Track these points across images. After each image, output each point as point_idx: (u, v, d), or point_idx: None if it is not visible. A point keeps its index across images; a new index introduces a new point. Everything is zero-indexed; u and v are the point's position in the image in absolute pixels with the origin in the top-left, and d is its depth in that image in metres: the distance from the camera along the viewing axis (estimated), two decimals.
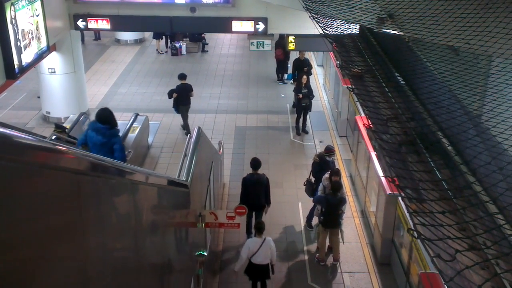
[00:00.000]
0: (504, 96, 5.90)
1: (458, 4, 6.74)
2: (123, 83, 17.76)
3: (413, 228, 7.09)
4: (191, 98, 14.05)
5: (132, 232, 3.60)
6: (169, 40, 21.73)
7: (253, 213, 9.77)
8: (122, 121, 14.05)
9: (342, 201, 9.06)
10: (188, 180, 6.58)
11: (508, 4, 5.96)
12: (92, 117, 13.94)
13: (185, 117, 14.09)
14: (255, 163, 9.74)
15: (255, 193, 9.60)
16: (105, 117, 6.93)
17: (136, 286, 3.62)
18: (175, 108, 14.00)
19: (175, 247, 5.74)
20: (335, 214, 9.03)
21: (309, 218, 10.32)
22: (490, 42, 5.98)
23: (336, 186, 8.93)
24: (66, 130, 9.84)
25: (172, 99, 13.89)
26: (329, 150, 10.08)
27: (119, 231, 3.24)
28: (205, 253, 7.42)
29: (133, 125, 12.39)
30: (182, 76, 14.13)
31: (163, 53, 21.45)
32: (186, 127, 14.00)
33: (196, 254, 7.15)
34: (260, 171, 9.79)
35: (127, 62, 20.12)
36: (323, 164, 9.99)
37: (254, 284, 8.50)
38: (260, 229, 8.32)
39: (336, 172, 9.27)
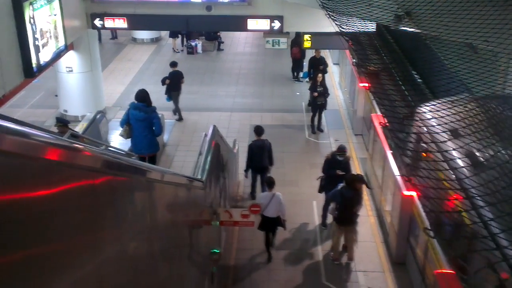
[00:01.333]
0: None
1: (476, 1, 6.66)
2: (140, 82, 17.86)
3: (429, 228, 7.05)
4: (181, 84, 14.98)
5: (149, 230, 3.63)
6: (185, 39, 21.82)
7: (257, 176, 10.86)
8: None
9: (357, 195, 8.96)
10: (204, 178, 6.61)
11: None
12: (108, 116, 14.18)
13: (176, 102, 14.96)
14: (259, 130, 10.88)
15: (259, 156, 10.65)
16: (143, 96, 8.68)
17: (152, 282, 3.65)
18: (167, 95, 14.77)
19: (191, 245, 5.77)
20: (350, 210, 8.96)
21: (323, 217, 10.29)
22: (510, 40, 5.90)
23: (348, 179, 8.94)
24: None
25: (165, 86, 14.81)
26: (341, 150, 10.06)
27: (137, 229, 3.26)
28: (220, 251, 7.45)
29: None
30: (173, 64, 15.09)
31: (179, 52, 21.53)
32: (177, 111, 14.96)
33: (210, 252, 7.18)
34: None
35: (144, 61, 20.24)
36: (333, 162, 9.98)
37: (267, 235, 9.33)
38: (270, 184, 9.17)
39: (359, 179, 9.17)
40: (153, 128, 8.78)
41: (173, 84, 14.84)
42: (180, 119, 14.99)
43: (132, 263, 3.11)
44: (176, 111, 15.06)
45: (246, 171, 11.06)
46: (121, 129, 9.02)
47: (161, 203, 4.17)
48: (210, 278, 6.93)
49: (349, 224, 9.10)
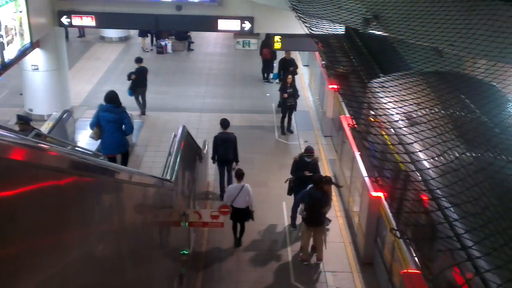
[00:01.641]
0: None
1: (442, 6, 6.81)
2: (108, 81, 17.61)
3: (395, 228, 7.16)
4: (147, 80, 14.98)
5: (116, 231, 3.58)
6: (154, 38, 21.62)
7: (225, 170, 11.09)
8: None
9: (325, 196, 9.04)
10: (173, 179, 6.56)
11: (492, 7, 6.04)
12: (75, 115, 13.93)
13: (143, 98, 15.01)
14: (225, 123, 11.07)
15: (224, 149, 10.85)
16: (112, 98, 8.76)
17: (120, 284, 3.60)
18: (131, 90, 14.68)
19: (159, 246, 5.72)
20: (318, 211, 9.04)
21: (292, 218, 10.35)
22: (474, 44, 6.05)
23: (316, 179, 9.02)
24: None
25: (130, 81, 14.77)
26: (308, 151, 10.14)
27: (104, 230, 3.21)
28: (188, 252, 7.41)
29: None
30: (139, 60, 15.01)
31: (148, 51, 21.32)
32: (143, 106, 15.04)
33: (179, 253, 7.13)
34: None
35: (112, 60, 19.96)
36: (301, 164, 10.05)
37: (234, 225, 9.67)
38: (239, 175, 9.49)
39: (327, 181, 9.27)
40: (123, 128, 8.91)
41: (140, 80, 14.77)
42: (143, 113, 15.05)
43: (99, 265, 3.06)
44: (144, 107, 15.10)
45: (213, 158, 11.21)
46: (91, 131, 9.07)
47: (129, 204, 4.12)
48: (179, 279, 6.87)
49: (317, 225, 9.17)
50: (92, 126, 8.95)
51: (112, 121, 8.74)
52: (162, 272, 5.83)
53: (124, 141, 9.30)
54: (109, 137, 8.87)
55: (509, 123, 5.75)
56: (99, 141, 9.33)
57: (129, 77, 14.83)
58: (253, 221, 9.72)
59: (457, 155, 4.87)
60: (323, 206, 9.06)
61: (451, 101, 6.63)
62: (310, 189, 9.02)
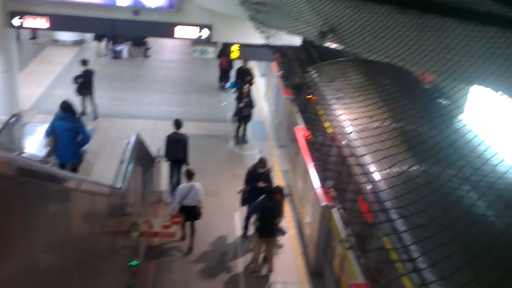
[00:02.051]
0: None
1: (395, 22, 6.97)
2: (59, 85, 17.12)
3: (345, 239, 7.22)
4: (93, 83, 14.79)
5: (63, 240, 3.44)
6: (110, 43, 21.22)
7: (175, 169, 11.31)
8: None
9: (277, 206, 9.04)
10: (123, 187, 6.39)
11: (442, 24, 6.23)
12: (25, 120, 13.46)
13: (92, 101, 14.86)
14: (178, 123, 11.29)
15: (176, 149, 11.10)
16: (68, 107, 8.87)
17: None
18: (78, 93, 14.55)
19: (107, 257, 5.54)
20: (270, 222, 9.03)
21: (245, 228, 10.29)
22: (425, 60, 6.22)
23: (268, 190, 9.03)
24: None
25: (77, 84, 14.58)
26: (261, 162, 10.17)
27: (50, 239, 3.08)
28: (137, 263, 7.22)
29: None
30: (84, 62, 14.82)
31: (103, 56, 20.90)
32: (94, 110, 14.89)
33: (128, 264, 6.94)
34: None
35: (65, 64, 19.44)
36: (254, 174, 10.05)
37: (184, 222, 9.71)
38: (189, 175, 9.66)
39: (279, 191, 9.28)
40: (79, 137, 8.97)
41: (86, 82, 14.58)
42: (83, 114, 14.57)
43: (42, 275, 2.92)
44: (95, 110, 14.94)
45: (166, 156, 11.33)
46: (47, 138, 9.09)
47: (77, 213, 3.97)
48: None
49: (269, 236, 9.16)
50: (48, 134, 8.95)
51: (68, 130, 8.78)
52: (108, 284, 5.65)
53: (79, 152, 9.31)
54: (64, 146, 8.87)
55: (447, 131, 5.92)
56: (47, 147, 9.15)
57: (75, 81, 14.59)
58: (201, 219, 9.86)
59: (404, 166, 4.96)
60: (275, 217, 9.06)
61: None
62: (262, 199, 9.02)
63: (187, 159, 11.20)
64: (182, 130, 11.30)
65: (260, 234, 9.15)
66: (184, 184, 9.81)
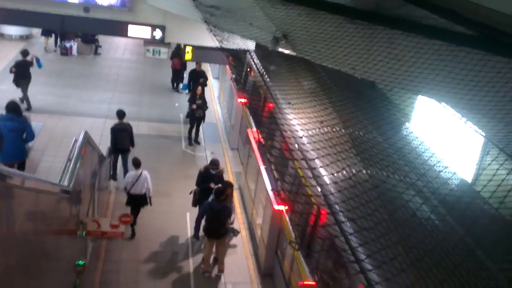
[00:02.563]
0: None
1: (346, 32, 7.19)
2: (4, 80, 16.46)
3: (294, 241, 7.37)
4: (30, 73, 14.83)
5: (4, 240, 3.36)
6: (58, 39, 20.63)
7: (119, 156, 11.76)
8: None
9: (226, 209, 9.10)
10: (70, 186, 6.27)
11: (391, 36, 6.48)
12: None
13: (24, 91, 14.79)
14: (121, 113, 11.76)
15: (122, 138, 11.55)
16: (14, 107, 9.08)
17: None
18: (15, 82, 14.64)
19: (52, 256, 5.42)
20: (218, 223, 9.07)
21: (196, 229, 10.28)
22: (374, 69, 6.45)
23: (217, 192, 9.05)
24: None
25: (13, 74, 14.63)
26: (214, 164, 10.24)
27: None
28: (84, 263, 7.09)
29: None
30: (24, 53, 14.93)
31: (51, 52, 20.31)
32: (26, 100, 14.77)
33: (74, 264, 6.80)
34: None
35: (11, 58, 18.68)
36: (207, 175, 10.10)
37: (133, 210, 9.96)
38: (137, 164, 9.98)
39: (228, 185, 9.47)
40: (24, 136, 9.22)
41: (21, 72, 14.58)
42: (29, 108, 14.70)
43: None
44: (24, 99, 14.78)
45: (110, 153, 11.68)
46: None
47: (20, 211, 3.88)
48: None
49: (218, 237, 9.20)
50: None
51: (14, 130, 8.95)
52: (53, 284, 5.53)
53: (24, 149, 9.48)
54: (11, 145, 8.95)
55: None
56: None
57: (10, 70, 14.65)
58: (151, 206, 10.14)
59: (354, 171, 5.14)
60: (223, 219, 9.10)
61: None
62: (211, 201, 9.07)
63: (133, 143, 11.81)
64: (125, 120, 11.79)
65: (208, 235, 9.20)
66: (131, 172, 10.09)
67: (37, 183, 4.65)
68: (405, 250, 4.12)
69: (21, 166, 9.47)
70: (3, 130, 8.85)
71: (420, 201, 4.80)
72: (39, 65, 15.22)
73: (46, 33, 20.05)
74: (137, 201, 10.01)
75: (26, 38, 21.19)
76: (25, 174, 5.19)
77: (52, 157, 12.24)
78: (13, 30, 20.78)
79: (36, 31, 21.28)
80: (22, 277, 4.00)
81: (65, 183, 6.30)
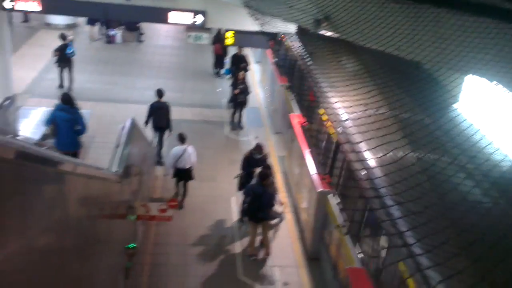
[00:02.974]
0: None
1: (389, 11, 7.03)
2: (53, 69, 17.00)
3: (341, 224, 7.36)
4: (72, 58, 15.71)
5: (59, 224, 3.50)
6: (103, 27, 21.07)
7: (158, 134, 12.12)
8: (51, 108, 13.55)
9: (267, 193, 9.11)
10: (120, 171, 6.46)
11: (437, 14, 6.30)
12: (18, 103, 13.42)
13: (70, 74, 15.75)
14: (159, 92, 12.11)
15: (158, 116, 11.92)
16: (67, 99, 9.50)
17: (62, 277, 3.53)
18: (57, 65, 15.61)
19: (104, 240, 5.62)
20: (257, 206, 9.11)
21: (241, 213, 10.41)
22: (419, 49, 6.30)
23: (261, 175, 9.11)
24: None
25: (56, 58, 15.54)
26: (258, 148, 10.28)
27: (46, 222, 3.13)
28: (135, 246, 7.32)
29: None
30: (62, 36, 15.63)
31: (96, 40, 20.77)
32: (70, 80, 15.81)
33: (125, 247, 7.03)
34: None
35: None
36: (251, 160, 10.18)
37: (178, 182, 10.69)
38: (182, 139, 10.44)
39: (266, 167, 9.50)
40: (77, 127, 9.63)
41: (63, 55, 15.46)
42: (61, 86, 15.67)
43: (40, 259, 2.98)
44: (69, 81, 15.78)
45: (146, 123, 11.93)
46: (47, 127, 9.71)
47: (73, 196, 4.02)
48: (124, 273, 6.78)
49: (257, 221, 9.28)
50: (48, 123, 9.56)
51: (67, 121, 9.39)
52: (106, 266, 5.74)
53: (78, 140, 9.86)
54: (64, 135, 9.44)
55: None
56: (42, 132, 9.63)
57: (54, 54, 15.44)
58: (194, 179, 10.69)
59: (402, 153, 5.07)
60: (264, 203, 9.10)
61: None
62: (253, 184, 9.15)
63: (170, 126, 12.03)
64: (164, 99, 12.12)
65: (249, 217, 9.30)
66: (177, 147, 10.45)
67: (88, 169, 4.81)
68: (456, 234, 4.06)
69: (74, 156, 9.88)
70: (57, 120, 9.39)
71: (471, 184, 4.71)
72: (69, 50, 15.65)
73: (91, 22, 20.51)
74: (183, 175, 10.51)
75: (72, 27, 21.73)
76: (77, 161, 5.39)
77: (101, 143, 12.60)
78: (59, 19, 21.33)
79: (81, 20, 21.78)
80: (77, 259, 4.17)
81: (114, 169, 6.50)
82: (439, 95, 6.78)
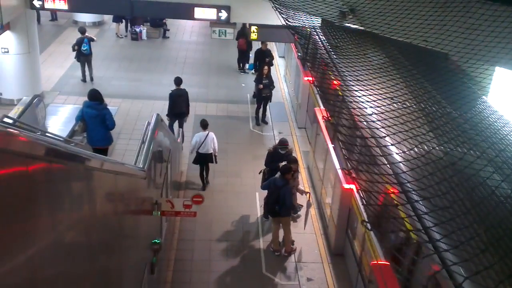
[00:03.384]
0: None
1: (417, 2, 6.88)
2: (80, 66, 17.28)
3: (366, 220, 7.25)
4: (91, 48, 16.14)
5: (86, 219, 3.53)
6: (129, 24, 21.28)
7: (176, 121, 12.71)
8: (78, 105, 13.75)
9: (286, 187, 8.98)
10: (145, 167, 6.49)
11: (465, 4, 6.13)
12: (46, 100, 13.67)
13: (89, 66, 16.28)
14: (178, 80, 12.55)
15: (178, 103, 12.46)
16: (95, 96, 9.57)
17: (89, 272, 3.56)
18: (77, 59, 16.12)
19: (130, 235, 5.67)
20: (275, 199, 9.03)
21: (264, 208, 10.39)
22: (447, 41, 6.14)
23: (283, 168, 9.05)
24: None
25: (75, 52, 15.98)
26: (282, 144, 10.21)
27: (73, 218, 3.16)
28: (160, 241, 7.36)
29: None
30: (81, 30, 16.09)
31: (122, 37, 21.00)
32: (89, 72, 16.35)
33: (151, 242, 7.08)
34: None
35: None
36: (275, 155, 10.11)
37: (202, 169, 11.22)
38: (205, 125, 10.98)
39: (293, 161, 9.45)
40: (106, 123, 9.77)
41: (81, 50, 15.88)
42: (84, 80, 16.26)
43: (67, 253, 3.01)
44: (83, 71, 16.27)
45: (168, 115, 12.49)
46: (77, 124, 9.98)
47: (100, 192, 4.06)
48: (149, 268, 6.84)
49: (274, 214, 9.22)
50: (77, 119, 9.80)
51: (95, 117, 9.54)
52: (132, 261, 5.79)
53: (108, 135, 9.93)
54: (93, 131, 9.64)
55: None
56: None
57: (73, 48, 15.83)
58: (216, 163, 11.18)
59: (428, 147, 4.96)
60: (282, 196, 8.95)
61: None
62: (275, 177, 9.10)
63: (188, 110, 12.70)
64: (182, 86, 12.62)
65: (270, 214, 9.26)
66: (199, 133, 11.02)
67: (115, 165, 4.85)
68: (483, 230, 3.95)
69: (104, 152, 10.07)
70: (85, 116, 9.57)
71: (499, 178, 4.56)
72: (85, 47, 15.90)
73: (117, 19, 20.74)
74: (204, 160, 11.00)
75: (98, 24, 22.02)
76: (104, 157, 5.44)
77: (126, 140, 12.74)
78: (86, 17, 21.64)
79: (108, 18, 22.05)
80: (104, 254, 4.21)
81: (140, 164, 6.54)
82: (468, 87, 6.61)
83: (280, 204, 9.00)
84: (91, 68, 16.35)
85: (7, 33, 12.88)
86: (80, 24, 21.60)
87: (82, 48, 15.73)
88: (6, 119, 4.81)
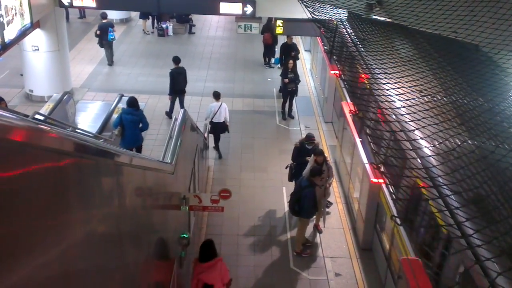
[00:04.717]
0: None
1: None
2: (105, 51, 17.56)
3: (396, 215, 7.16)
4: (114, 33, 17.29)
5: (116, 214, 3.58)
6: (155, 21, 21.45)
7: (177, 98, 13.80)
8: (107, 101, 13.95)
9: (309, 189, 8.80)
10: (173, 163, 6.54)
11: None
12: (76, 97, 13.90)
13: (111, 49, 17.47)
14: (177, 59, 13.75)
15: (179, 80, 13.56)
16: (133, 102, 10.84)
17: (119, 267, 3.61)
18: (100, 45, 17.21)
19: (159, 229, 5.73)
20: (295, 198, 8.97)
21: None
22: (477, 32, 6.00)
23: (314, 171, 8.86)
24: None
25: (98, 38, 17.08)
26: (309, 139, 10.12)
27: (104, 213, 3.20)
28: (188, 236, 7.42)
29: (118, 106, 12.28)
30: (103, 16, 17.14)
31: (149, 34, 21.18)
32: (109, 57, 17.47)
33: (179, 236, 7.14)
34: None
35: (113, 42, 19.79)
36: (302, 150, 10.04)
37: (216, 137, 12.20)
38: (217, 96, 12.00)
39: (319, 153, 9.33)
40: (140, 125, 10.98)
41: (104, 34, 16.83)
42: (110, 63, 17.49)
43: (99, 248, 3.06)
44: (109, 56, 17.43)
45: (170, 94, 13.65)
46: (115, 129, 10.83)
47: (129, 187, 4.10)
48: (179, 262, 6.90)
49: (294, 214, 9.17)
50: (115, 125, 10.79)
51: (133, 122, 10.75)
52: (162, 255, 5.85)
53: (140, 136, 11.20)
54: (130, 134, 10.82)
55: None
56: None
57: (96, 34, 16.96)
58: (228, 133, 12.25)
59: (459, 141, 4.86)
60: (305, 197, 8.80)
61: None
62: (303, 177, 9.04)
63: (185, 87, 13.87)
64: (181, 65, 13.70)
65: (290, 210, 9.23)
66: (214, 103, 11.94)
67: (143, 161, 4.89)
68: None
69: (138, 150, 11.21)
70: (124, 121, 10.67)
71: None
72: (111, 36, 16.86)
73: (143, 16, 20.94)
74: (218, 129, 11.90)
75: (125, 21, 22.26)
76: (133, 153, 5.51)
77: (154, 135, 12.86)
78: (113, 14, 21.86)
79: (134, 15, 22.28)
80: (134, 248, 4.26)
81: (168, 160, 6.59)
82: (500, 78, 6.45)
83: (300, 205, 8.94)
84: (113, 52, 17.48)
85: (37, 31, 13.12)
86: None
87: (109, 37, 16.66)
88: (37, 116, 4.90)
